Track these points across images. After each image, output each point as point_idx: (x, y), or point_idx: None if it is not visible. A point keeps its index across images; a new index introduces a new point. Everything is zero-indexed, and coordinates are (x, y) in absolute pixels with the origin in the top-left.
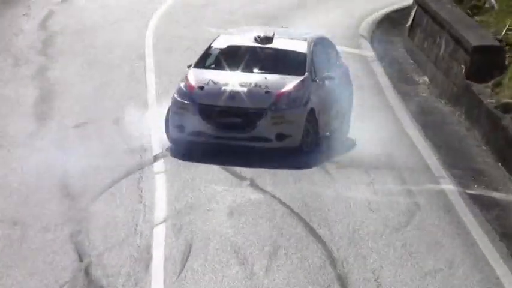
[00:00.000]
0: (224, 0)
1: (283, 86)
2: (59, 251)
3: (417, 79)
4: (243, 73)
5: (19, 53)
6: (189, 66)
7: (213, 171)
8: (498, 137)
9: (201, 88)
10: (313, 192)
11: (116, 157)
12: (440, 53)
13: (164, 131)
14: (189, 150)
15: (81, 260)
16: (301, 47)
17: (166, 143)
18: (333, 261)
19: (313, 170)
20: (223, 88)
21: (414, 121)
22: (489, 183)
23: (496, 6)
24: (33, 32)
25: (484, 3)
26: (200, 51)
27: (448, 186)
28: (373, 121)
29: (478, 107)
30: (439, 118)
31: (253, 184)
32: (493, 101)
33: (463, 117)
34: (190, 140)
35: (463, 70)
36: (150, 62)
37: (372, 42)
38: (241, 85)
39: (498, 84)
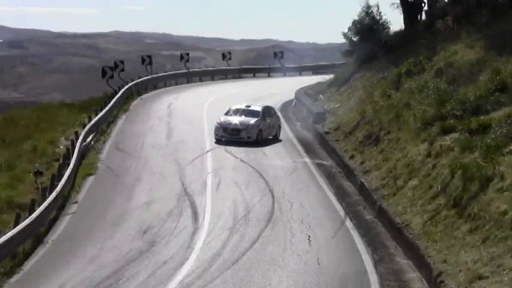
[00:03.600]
0: None
1: (250, 121)
2: None
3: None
4: (236, 117)
5: None
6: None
7: None
8: None
9: (224, 122)
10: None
11: None
12: None
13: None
14: None
15: None
16: (258, 108)
17: None
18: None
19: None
20: (231, 121)
21: None
22: None
23: None
24: None
25: None
26: None
27: None
28: None
29: None
30: None
31: None
32: None
33: None
34: (219, 139)
35: None
36: None
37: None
38: (237, 120)
39: None
